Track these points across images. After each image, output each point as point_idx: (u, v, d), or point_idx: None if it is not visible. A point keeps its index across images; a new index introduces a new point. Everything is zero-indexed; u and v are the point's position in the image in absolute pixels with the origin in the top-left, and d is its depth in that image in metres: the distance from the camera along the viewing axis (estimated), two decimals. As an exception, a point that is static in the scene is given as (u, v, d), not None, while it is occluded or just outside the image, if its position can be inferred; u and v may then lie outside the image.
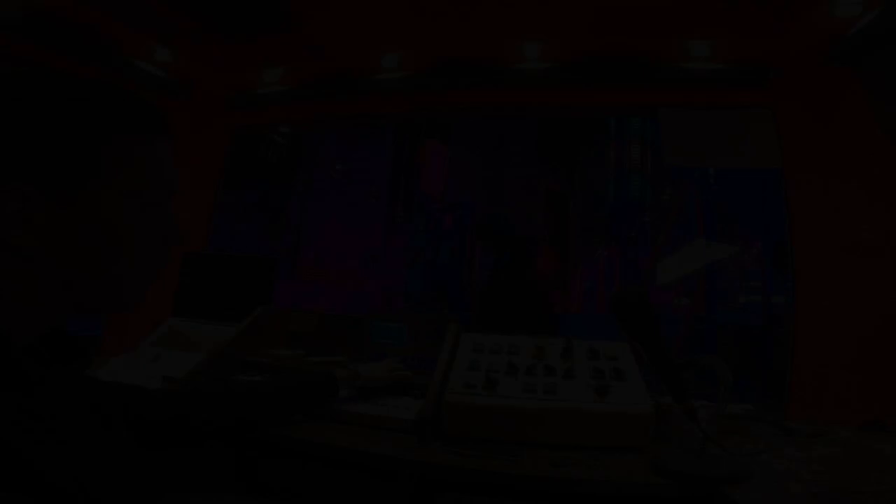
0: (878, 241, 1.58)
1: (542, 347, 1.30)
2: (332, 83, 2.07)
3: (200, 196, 2.27)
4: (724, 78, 1.77)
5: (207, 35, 2.00)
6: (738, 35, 1.63)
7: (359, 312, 1.82)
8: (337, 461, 1.03)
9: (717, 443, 1.01)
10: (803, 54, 1.61)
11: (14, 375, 0.47)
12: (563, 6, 1.62)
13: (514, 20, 1.68)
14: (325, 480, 1.06)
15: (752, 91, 1.79)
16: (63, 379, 0.57)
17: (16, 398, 0.45)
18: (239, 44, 2.06)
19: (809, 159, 1.72)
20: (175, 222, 0.61)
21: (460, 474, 0.96)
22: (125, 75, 1.87)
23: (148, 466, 0.67)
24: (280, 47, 2.01)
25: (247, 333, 1.49)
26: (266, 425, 1.06)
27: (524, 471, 0.95)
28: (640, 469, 0.98)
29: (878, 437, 1.26)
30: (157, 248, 0.59)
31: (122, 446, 0.63)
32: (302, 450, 1.05)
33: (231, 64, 2.06)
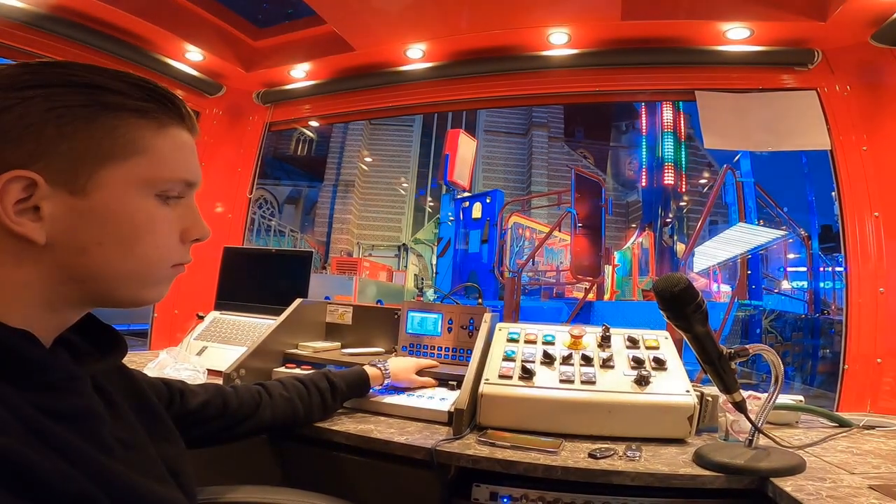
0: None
1: (578, 336, 1.28)
2: (359, 76, 2.07)
3: (236, 191, 2.32)
4: (765, 60, 1.70)
5: (237, 33, 2.03)
6: (778, 17, 1.56)
7: (393, 303, 1.84)
8: (374, 453, 1.04)
9: (766, 434, 0.97)
10: (848, 35, 1.54)
11: (35, 374, 0.46)
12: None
13: (541, 6, 1.65)
14: (362, 471, 1.08)
15: (795, 73, 1.71)
16: (95, 375, 0.57)
17: (35, 398, 0.44)
18: (267, 40, 2.09)
19: (859, 140, 1.64)
20: (198, 216, 0.59)
21: (497, 465, 0.96)
22: (160, 75, 1.92)
23: (189, 462, 0.67)
24: (307, 42, 2.03)
25: (286, 326, 1.52)
26: (301, 425, 1.08)
27: (562, 462, 0.94)
28: (683, 461, 0.96)
29: (939, 429, 1.20)
30: (174, 241, 0.56)
31: (161, 441, 0.62)
32: (339, 441, 1.07)
33: (260, 61, 2.09)
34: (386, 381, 1.24)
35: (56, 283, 0.50)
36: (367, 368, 1.22)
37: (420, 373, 1.34)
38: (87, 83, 0.49)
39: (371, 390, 1.23)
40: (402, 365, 1.31)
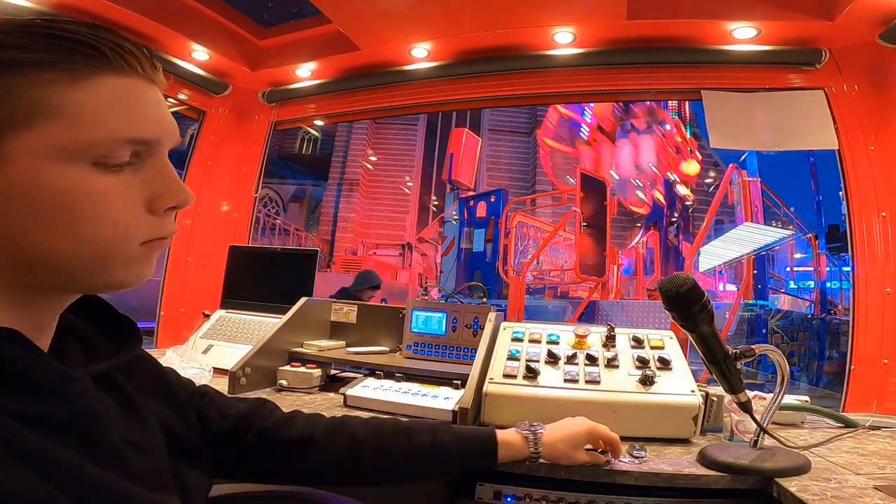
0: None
1: (583, 336, 1.28)
2: (364, 75, 2.08)
3: (242, 190, 2.33)
4: (772, 60, 1.69)
5: (242, 32, 2.04)
6: (785, 17, 1.56)
7: (397, 301, 1.84)
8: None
9: (771, 435, 0.97)
10: (856, 35, 1.54)
11: (18, 378, 0.42)
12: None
13: (546, 5, 1.64)
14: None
15: (802, 72, 1.71)
16: (109, 370, 0.52)
17: (17, 405, 0.40)
18: (272, 40, 2.09)
19: (867, 140, 1.63)
20: (172, 178, 0.49)
21: (501, 465, 0.96)
22: (165, 74, 1.93)
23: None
24: (312, 41, 2.03)
25: (291, 325, 1.53)
26: (358, 482, 0.80)
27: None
28: (688, 461, 0.96)
29: (946, 431, 1.19)
30: (137, 214, 0.47)
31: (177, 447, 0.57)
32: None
33: (266, 60, 2.10)
34: (532, 454, 0.87)
35: (7, 274, 0.44)
36: (506, 433, 0.87)
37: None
38: None
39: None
40: (563, 433, 0.90)
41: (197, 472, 0.60)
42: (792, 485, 0.83)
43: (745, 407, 0.95)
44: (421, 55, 1.93)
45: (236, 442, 0.72)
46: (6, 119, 0.41)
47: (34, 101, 0.42)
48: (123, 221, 0.46)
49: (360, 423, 0.80)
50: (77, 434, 0.44)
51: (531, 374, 1.16)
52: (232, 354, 1.53)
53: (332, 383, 1.50)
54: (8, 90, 0.41)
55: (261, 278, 1.95)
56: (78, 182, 0.43)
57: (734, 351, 0.93)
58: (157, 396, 0.59)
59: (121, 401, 0.52)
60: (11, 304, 0.45)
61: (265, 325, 1.76)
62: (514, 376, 1.16)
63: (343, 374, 1.61)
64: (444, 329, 1.51)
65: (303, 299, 1.61)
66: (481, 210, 12.29)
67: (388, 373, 1.37)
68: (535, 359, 1.22)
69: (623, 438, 1.06)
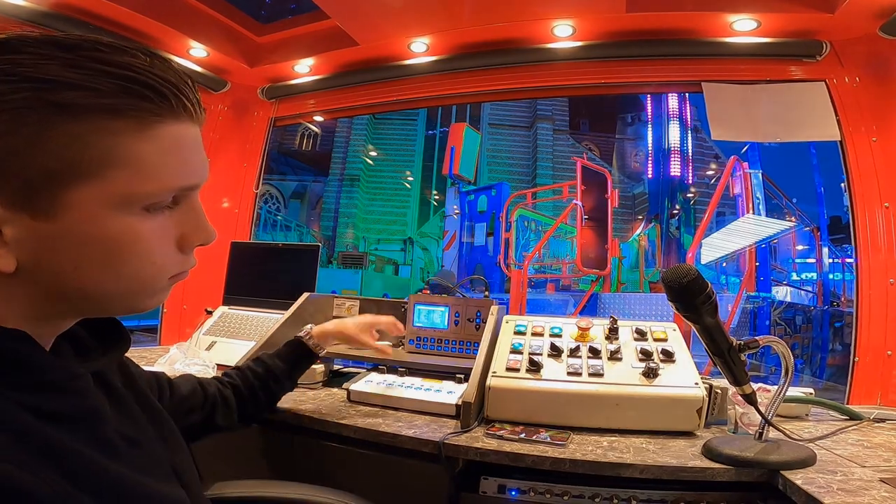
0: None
1: (585, 328, 1.28)
2: (363, 70, 2.07)
3: (242, 187, 2.32)
4: (773, 52, 1.68)
5: (240, 29, 2.03)
6: (785, 9, 1.55)
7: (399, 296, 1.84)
8: (382, 446, 1.05)
9: (776, 427, 0.97)
10: (856, 27, 1.53)
11: (30, 375, 0.43)
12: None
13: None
14: (371, 465, 1.08)
15: (804, 64, 1.70)
16: (100, 370, 0.54)
17: (33, 400, 0.41)
18: (270, 36, 2.08)
19: (869, 131, 1.62)
20: (201, 218, 0.51)
21: (505, 458, 0.96)
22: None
23: (193, 457, 0.64)
24: (310, 37, 2.02)
25: (293, 320, 1.53)
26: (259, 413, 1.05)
27: (570, 455, 0.94)
28: (692, 454, 0.96)
29: (951, 421, 1.19)
30: (170, 253, 0.49)
31: (165, 437, 0.59)
32: (348, 435, 1.07)
33: (264, 56, 2.09)
34: (311, 342, 1.15)
35: (41, 302, 0.45)
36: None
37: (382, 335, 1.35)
38: (35, 77, 0.38)
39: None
40: (350, 321, 1.23)
41: (181, 448, 0.61)
42: (797, 477, 0.83)
43: (750, 399, 0.95)
44: (420, 50, 1.91)
45: (199, 406, 0.89)
46: (74, 166, 0.40)
47: (103, 150, 0.41)
48: (160, 261, 0.48)
49: (250, 373, 1.04)
50: (85, 429, 0.45)
51: (534, 367, 1.16)
52: (235, 351, 1.53)
53: (335, 378, 1.50)
54: (76, 135, 0.40)
55: (263, 274, 1.95)
56: (129, 226, 0.44)
57: (738, 342, 0.93)
58: (132, 391, 0.60)
59: (111, 397, 0.54)
60: (30, 321, 0.45)
61: (268, 321, 1.76)
62: (518, 370, 1.16)
63: (346, 370, 1.61)
64: (446, 323, 1.51)
65: (305, 295, 1.61)
66: (482, 204, 12.29)
67: (391, 367, 1.38)
68: (538, 352, 1.22)
69: (627, 431, 1.07)
